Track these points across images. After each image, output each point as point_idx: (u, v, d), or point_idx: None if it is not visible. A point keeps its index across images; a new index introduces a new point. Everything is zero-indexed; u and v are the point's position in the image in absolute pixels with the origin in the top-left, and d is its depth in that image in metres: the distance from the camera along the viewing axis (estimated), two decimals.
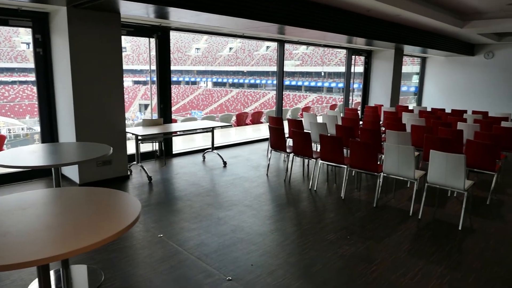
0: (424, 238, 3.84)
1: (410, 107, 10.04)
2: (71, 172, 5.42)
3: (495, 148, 4.76)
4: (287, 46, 9.39)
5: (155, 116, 6.98)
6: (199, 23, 6.35)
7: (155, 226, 3.98)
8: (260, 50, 47.79)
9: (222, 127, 7.05)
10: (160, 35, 6.64)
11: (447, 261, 3.36)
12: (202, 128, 6.43)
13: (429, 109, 9.71)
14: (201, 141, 8.30)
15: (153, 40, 6.64)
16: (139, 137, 5.57)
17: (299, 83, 44.78)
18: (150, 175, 5.72)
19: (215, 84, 51.11)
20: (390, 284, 2.98)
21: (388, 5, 6.74)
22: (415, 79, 16.51)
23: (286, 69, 9.42)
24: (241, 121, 12.46)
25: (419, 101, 15.93)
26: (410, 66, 20.08)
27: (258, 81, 47.66)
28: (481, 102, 14.23)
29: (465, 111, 8.74)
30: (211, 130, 6.65)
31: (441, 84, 15.38)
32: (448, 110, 9.43)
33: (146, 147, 6.86)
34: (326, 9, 7.10)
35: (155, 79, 6.85)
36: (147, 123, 6.27)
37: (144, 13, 5.32)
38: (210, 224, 4.06)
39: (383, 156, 4.72)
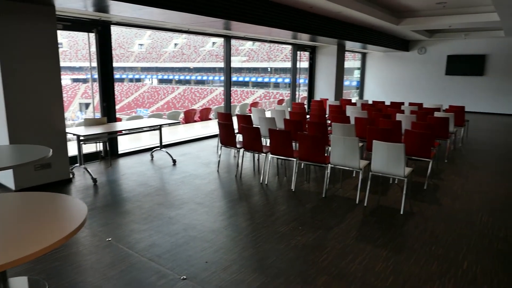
0: (370, 224, 4.05)
1: (353, 101, 10.49)
2: (5, 178, 5.01)
3: (430, 136, 5.12)
4: (233, 42, 9.38)
5: (98, 115, 6.65)
6: (142, 18, 6.14)
7: (102, 230, 3.81)
8: (206, 46, 47.28)
9: (170, 124, 6.87)
10: (100, 30, 6.32)
11: (391, 245, 3.58)
12: (149, 126, 6.24)
13: (370, 102, 10.21)
14: (149, 139, 8.05)
15: (92, 35, 6.31)
16: (81, 138, 5.27)
17: (246, 79, 44.98)
18: (95, 177, 5.45)
19: (161, 81, 49.78)
20: (340, 270, 3.11)
21: (330, 2, 6.97)
22: (357, 74, 17.27)
23: (233, 65, 9.40)
24: (189, 118, 12.27)
25: (361, 95, 16.70)
26: (352, 62, 20.98)
27: (205, 78, 47.17)
28: (417, 94, 15.27)
29: (403, 103, 9.30)
30: (159, 128, 6.48)
31: (380, 78, 16.24)
32: (387, 103, 9.98)
33: (89, 148, 6.52)
34: (271, 5, 7.19)
35: (96, 76, 6.52)
36: (89, 122, 5.96)
37: (81, 6, 5.03)
38: (161, 224, 3.97)
39: (330, 148, 4.89)
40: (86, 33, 6.26)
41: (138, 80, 50.42)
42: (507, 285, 2.93)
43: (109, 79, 6.56)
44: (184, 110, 12.95)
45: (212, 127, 10.42)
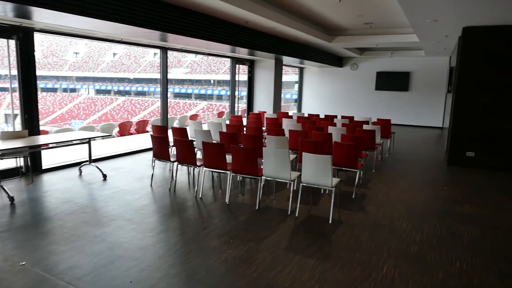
0: (300, 234, 4.15)
1: (291, 114, 10.81)
2: None
3: (357, 148, 5.41)
4: (175, 53, 9.26)
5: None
6: (68, 25, 5.85)
7: (16, 254, 3.49)
8: (147, 57, 46.18)
9: (101, 137, 6.56)
10: (22, 37, 5.90)
11: (319, 253, 3.69)
12: (77, 139, 5.90)
13: (306, 115, 10.59)
14: (79, 153, 7.61)
15: (13, 42, 5.87)
16: None
17: (189, 91, 44.55)
18: (12, 195, 5.01)
19: (99, 91, 47.59)
20: (269, 281, 3.14)
21: (264, 18, 7.17)
22: (297, 87, 17.85)
23: (175, 76, 9.29)
24: (124, 130, 11.80)
25: (299, 108, 17.27)
26: (291, 75, 21.68)
27: (146, 89, 45.92)
28: (349, 107, 16.13)
29: (336, 116, 9.76)
30: (88, 141, 6.15)
31: (317, 92, 16.95)
32: (322, 116, 10.41)
33: (7, 164, 6.00)
34: (208, 19, 7.23)
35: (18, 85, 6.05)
36: (7, 136, 5.49)
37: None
38: (85, 243, 3.74)
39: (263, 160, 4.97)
40: (5, 40, 5.81)
41: (73, 90, 47.74)
42: (421, 285, 3.15)
43: (32, 89, 6.12)
44: (119, 122, 12.45)
45: (148, 140, 10.11)
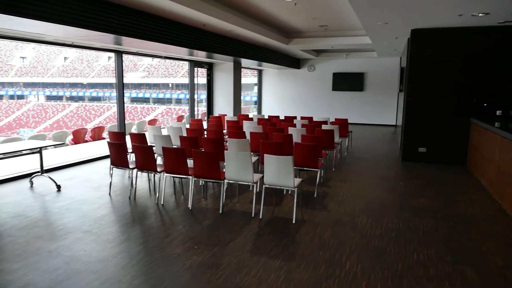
0: (264, 236, 4.17)
1: (251, 116, 10.85)
2: None
3: (317, 148, 5.53)
4: (131, 57, 8.99)
5: None
6: (13, 29, 5.51)
7: None
8: (101, 61, 44.58)
9: (53, 146, 6.24)
10: None
11: (284, 254, 3.72)
12: (27, 149, 5.57)
13: (266, 117, 10.67)
14: (29, 164, 7.18)
15: None
16: None
17: (147, 95, 43.52)
18: None
19: (49, 97, 45.31)
20: (235, 285, 3.12)
21: (221, 20, 7.15)
22: (256, 90, 17.96)
23: (131, 80, 9.02)
24: (79, 138, 11.29)
25: (259, 110, 17.38)
26: (250, 78, 21.78)
27: (101, 94, 44.30)
28: (308, 108, 16.46)
29: (295, 117, 9.92)
30: (39, 150, 5.82)
31: (276, 94, 17.15)
32: (282, 117, 10.54)
33: None
34: (165, 22, 7.10)
35: None
36: None
37: None
38: (39, 259, 3.53)
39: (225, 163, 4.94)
40: None
41: (21, 97, 45.13)
42: (382, 278, 3.27)
43: None
44: (73, 130, 11.90)
45: (105, 147, 9.74)
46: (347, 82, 15.62)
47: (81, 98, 44.70)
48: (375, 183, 6.43)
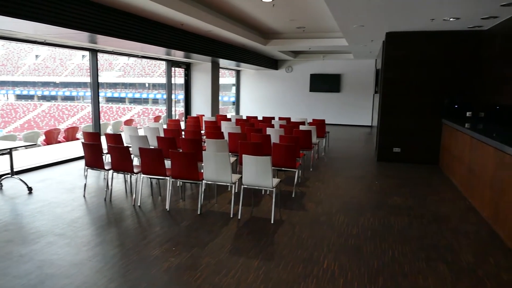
0: (243, 236, 4.17)
1: (229, 116, 10.82)
2: None
3: (295, 148, 5.57)
4: (106, 56, 8.80)
5: None
6: None
7: None
8: (75, 59, 43.42)
9: (24, 147, 6.02)
10: None
11: (262, 254, 3.73)
12: None
13: (244, 117, 10.67)
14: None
15: None
16: None
17: (123, 95, 42.68)
18: None
19: (20, 97, 43.78)
20: (214, 287, 3.10)
21: (199, 20, 7.11)
22: (234, 90, 17.94)
23: (107, 80, 8.83)
24: (51, 138, 10.94)
25: (237, 110, 17.37)
26: (228, 78, 21.74)
27: (74, 93, 43.13)
28: (286, 109, 16.58)
29: (273, 118, 9.97)
30: (9, 151, 5.61)
31: (254, 94, 17.19)
32: (260, 118, 10.57)
33: None
34: (141, 21, 6.99)
35: None
36: None
37: None
38: (10, 264, 3.40)
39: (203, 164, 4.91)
40: None
41: None
42: (358, 276, 3.33)
43: None
44: (45, 130, 11.55)
45: (80, 148, 9.49)
46: (324, 83, 15.82)
47: (53, 98, 43.40)
48: (351, 183, 6.54)
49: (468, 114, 7.59)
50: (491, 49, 6.93)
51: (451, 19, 6.47)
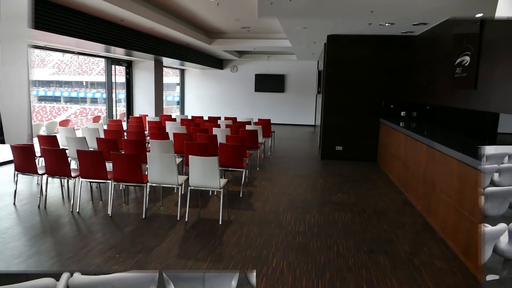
0: (191, 238, 4.08)
1: (174, 116, 10.57)
2: None
3: (241, 148, 5.58)
4: (37, 51, 8.15)
5: None
6: None
7: None
8: None
9: None
10: None
11: (211, 256, 3.68)
12: None
13: (190, 117, 10.49)
14: None
15: None
16: None
17: (57, 94, 39.94)
18: None
19: None
20: None
21: (140, 16, 6.86)
22: (178, 90, 17.57)
23: (39, 77, 8.14)
24: None
25: (182, 110, 17.04)
26: (173, 77, 21.24)
27: None
28: (232, 108, 16.57)
29: (219, 118, 9.91)
30: None
31: (199, 94, 16.98)
32: (205, 117, 10.44)
33: None
34: (76, 14, 6.57)
35: None
36: None
37: None
38: None
39: (147, 166, 4.73)
40: None
41: None
42: (306, 272, 3.40)
43: None
44: None
45: (7, 151, 8.71)
46: (269, 83, 16.06)
47: None
48: (297, 181, 6.70)
49: (402, 113, 8.12)
50: (422, 53, 7.47)
51: (386, 24, 6.87)
